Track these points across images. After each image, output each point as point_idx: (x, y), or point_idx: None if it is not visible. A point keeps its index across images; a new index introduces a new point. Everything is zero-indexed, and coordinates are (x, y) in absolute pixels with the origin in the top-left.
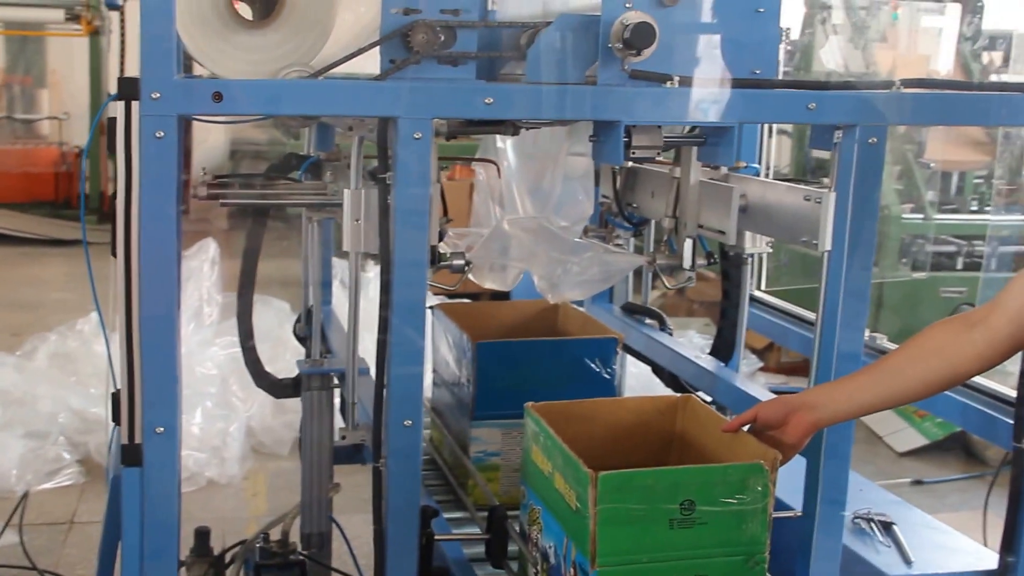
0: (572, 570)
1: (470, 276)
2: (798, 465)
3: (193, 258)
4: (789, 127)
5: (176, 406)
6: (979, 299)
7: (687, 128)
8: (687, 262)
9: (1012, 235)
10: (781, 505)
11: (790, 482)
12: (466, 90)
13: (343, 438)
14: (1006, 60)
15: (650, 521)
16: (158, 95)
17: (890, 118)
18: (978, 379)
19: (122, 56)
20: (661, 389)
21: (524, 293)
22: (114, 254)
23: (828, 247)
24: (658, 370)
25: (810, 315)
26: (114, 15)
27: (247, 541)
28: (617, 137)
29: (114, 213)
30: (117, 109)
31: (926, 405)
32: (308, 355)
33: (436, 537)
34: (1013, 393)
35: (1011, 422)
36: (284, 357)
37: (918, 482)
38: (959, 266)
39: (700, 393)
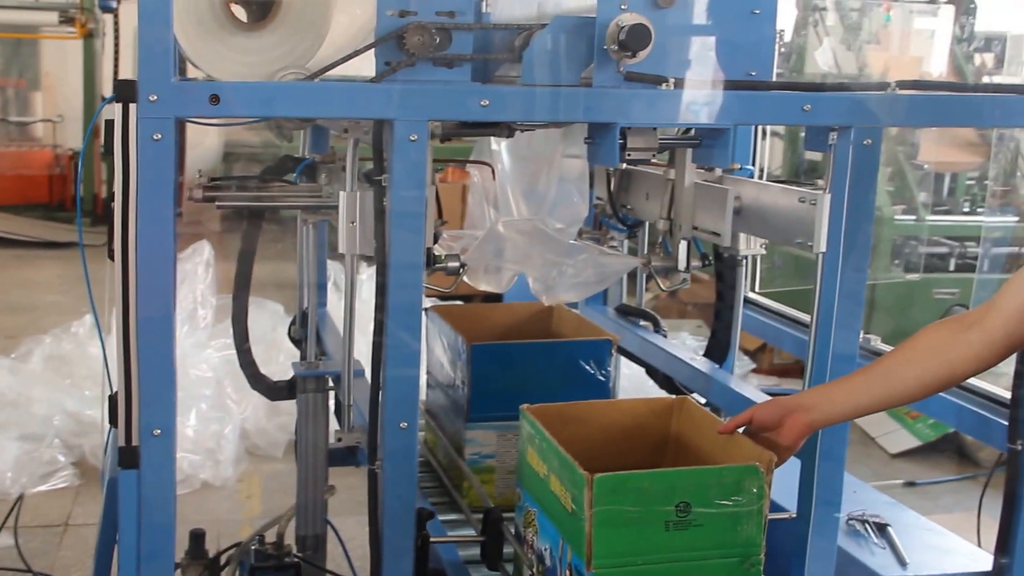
0: (568, 572)
1: (465, 278)
2: (792, 467)
3: (187, 260)
4: (781, 129)
5: (173, 408)
6: (973, 300)
7: (682, 130)
8: (682, 264)
9: (1005, 236)
10: (776, 507)
11: (785, 484)
12: (461, 92)
13: (339, 440)
14: (1000, 62)
15: (646, 523)
16: (155, 97)
17: (885, 120)
18: (972, 380)
19: (116, 59)
20: (654, 391)
21: (517, 295)
22: (111, 256)
23: (823, 249)
24: (652, 372)
25: (804, 317)
26: (108, 18)
27: (242, 543)
28: (612, 139)
29: (111, 215)
30: (114, 111)
31: (921, 406)
32: (303, 357)
33: (431, 539)
34: (1007, 394)
35: (1005, 423)
36: (278, 359)
37: (911, 483)
38: (951, 267)
39: (695, 395)
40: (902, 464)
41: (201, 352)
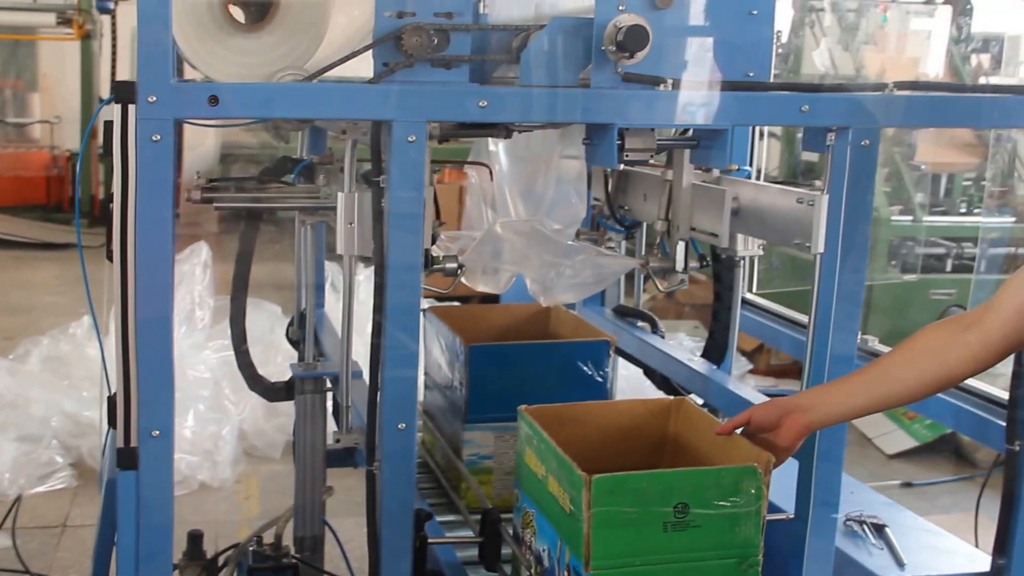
0: (566, 573)
1: (463, 279)
2: (790, 468)
3: (185, 262)
4: (777, 130)
5: (171, 410)
6: (971, 301)
7: (679, 130)
8: (680, 265)
9: (1003, 237)
10: (773, 508)
11: (782, 485)
12: (460, 93)
13: (337, 441)
14: (998, 63)
15: (644, 524)
16: (154, 99)
17: (883, 120)
18: (970, 381)
19: (113, 60)
20: (652, 391)
21: (514, 296)
22: (109, 258)
23: (821, 249)
24: (650, 373)
25: (802, 317)
26: (105, 19)
27: (240, 544)
28: (610, 140)
29: (109, 216)
30: (113, 112)
31: (919, 407)
32: (301, 359)
33: (430, 540)
34: (1005, 395)
35: (1003, 424)
36: (276, 360)
37: (908, 484)
38: (948, 268)
39: (692, 395)
40: (899, 465)
41: (199, 353)
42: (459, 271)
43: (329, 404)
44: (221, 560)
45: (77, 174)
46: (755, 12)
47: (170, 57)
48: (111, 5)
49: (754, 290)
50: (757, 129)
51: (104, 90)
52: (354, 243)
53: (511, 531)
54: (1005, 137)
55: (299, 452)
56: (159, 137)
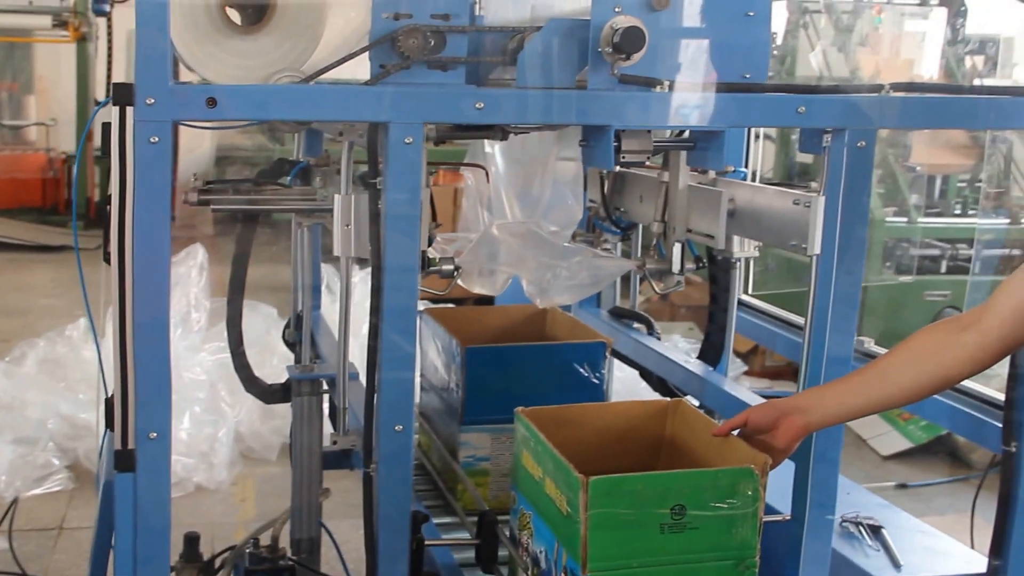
0: (563, 575)
1: (459, 281)
2: (787, 469)
3: (181, 264)
4: (772, 132)
5: (169, 412)
6: (966, 302)
7: (676, 132)
8: (676, 266)
9: (997, 238)
10: (770, 509)
11: (779, 486)
12: (456, 95)
13: (333, 443)
14: (994, 64)
15: (641, 526)
16: (152, 101)
17: (879, 122)
18: (967, 382)
19: (109, 62)
20: (647, 393)
21: (510, 298)
22: (107, 260)
23: (817, 251)
24: (646, 374)
25: (797, 319)
26: (101, 21)
27: (237, 546)
28: (607, 141)
29: (106, 218)
30: (111, 115)
31: (915, 408)
32: (298, 360)
33: (426, 542)
34: (1001, 396)
35: (999, 425)
36: (271, 362)
37: (903, 485)
38: (943, 269)
39: (688, 397)
40: (894, 466)
41: (195, 355)
42: (455, 273)
43: (326, 406)
44: (218, 562)
45: (74, 176)
46: (751, 14)
47: (168, 59)
48: (107, 8)
49: (750, 292)
50: (752, 131)
51: (100, 93)
52: (351, 245)
53: (508, 533)
54: (999, 138)
55: (296, 454)
56: (157, 139)
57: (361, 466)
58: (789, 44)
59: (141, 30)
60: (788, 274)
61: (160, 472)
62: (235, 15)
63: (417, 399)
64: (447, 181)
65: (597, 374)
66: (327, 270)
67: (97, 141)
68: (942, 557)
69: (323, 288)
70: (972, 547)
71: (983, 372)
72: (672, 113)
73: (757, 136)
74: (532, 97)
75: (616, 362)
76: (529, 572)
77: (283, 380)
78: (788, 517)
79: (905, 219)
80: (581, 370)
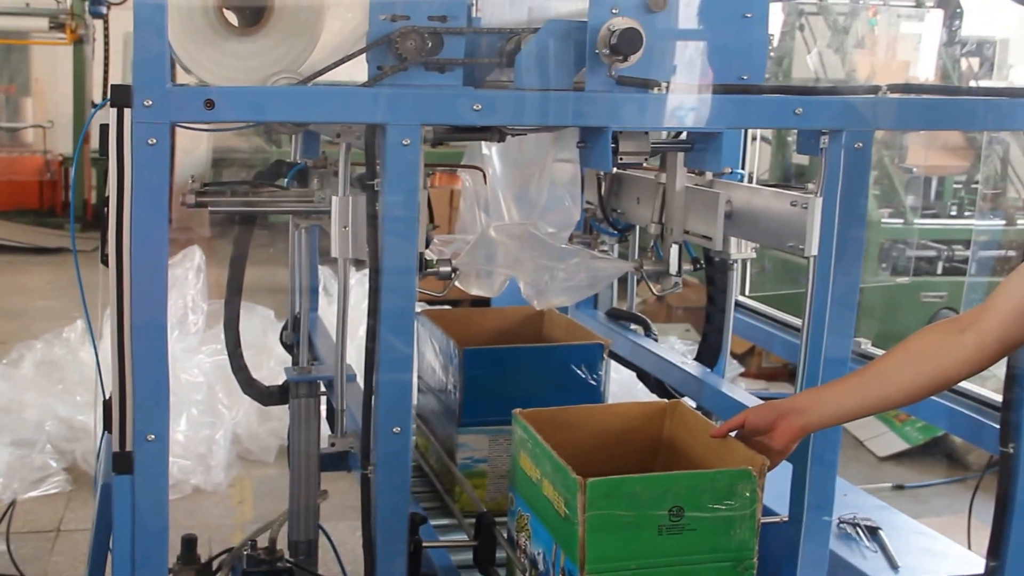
0: None
1: (456, 283)
2: (784, 471)
3: (178, 266)
4: (768, 133)
5: (166, 414)
6: (963, 303)
7: (673, 134)
8: (673, 268)
9: (994, 239)
10: (767, 510)
11: (776, 487)
12: (454, 96)
13: (331, 445)
14: (990, 66)
15: (639, 527)
16: (150, 102)
17: (876, 123)
18: (964, 384)
19: (106, 64)
20: (644, 394)
21: (507, 299)
22: (104, 262)
23: (815, 252)
24: (643, 376)
25: (794, 320)
26: (98, 24)
27: (234, 549)
28: (605, 143)
29: (104, 220)
30: (108, 116)
31: (913, 409)
32: (295, 362)
33: (424, 544)
34: (999, 397)
35: (997, 426)
36: (268, 364)
37: (899, 487)
38: (939, 271)
39: (686, 398)
40: (891, 467)
41: (192, 357)
42: (453, 275)
43: (323, 408)
44: (215, 564)
45: (72, 178)
46: (749, 15)
47: (166, 61)
48: (104, 10)
49: (746, 293)
50: (749, 132)
51: (96, 95)
52: (348, 247)
53: (506, 535)
54: (997, 140)
55: (293, 456)
56: (155, 141)
57: (359, 468)
58: (787, 45)
59: (139, 32)
60: (785, 275)
61: (158, 474)
62: (232, 17)
63: (415, 401)
64: (444, 183)
65: (594, 375)
66: (324, 272)
67: (94, 143)
68: (939, 558)
69: (320, 290)
70: (969, 548)
71: (980, 373)
72: (669, 114)
73: (754, 138)
74: (529, 99)
75: (613, 363)
76: (527, 574)
77: (280, 382)
78: (786, 518)
79: (901, 220)
80: (578, 371)
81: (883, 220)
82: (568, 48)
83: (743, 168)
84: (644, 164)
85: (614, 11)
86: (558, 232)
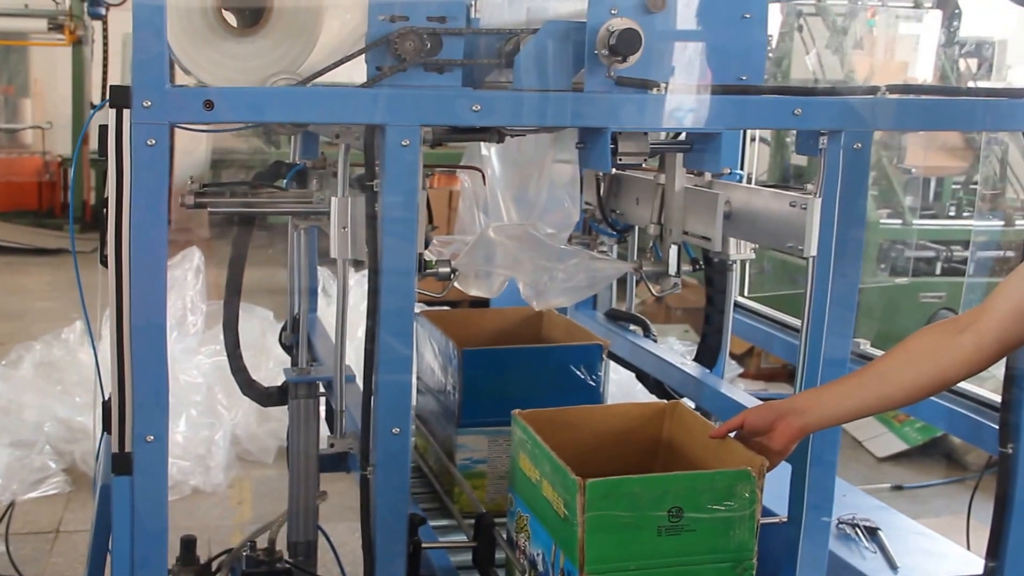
0: None
1: (455, 283)
2: (783, 471)
3: (177, 267)
4: (767, 134)
5: (166, 415)
6: (962, 304)
7: (672, 134)
8: (672, 268)
9: (992, 240)
10: (767, 511)
11: (776, 488)
12: (454, 97)
13: (330, 446)
14: (989, 67)
15: (638, 528)
16: (149, 103)
17: (875, 123)
18: (963, 384)
19: (105, 65)
20: (643, 395)
21: (506, 300)
22: (103, 263)
23: (814, 253)
24: (643, 376)
25: (793, 321)
26: (97, 25)
27: (233, 549)
28: (604, 144)
29: (103, 221)
30: (107, 117)
31: (912, 410)
32: (294, 363)
33: (423, 545)
34: (998, 398)
35: (996, 427)
36: (267, 365)
37: (898, 487)
38: (938, 271)
39: (685, 399)
40: (889, 468)
41: (191, 358)
42: (452, 275)
43: (322, 409)
44: (215, 565)
45: (71, 179)
46: (748, 15)
47: (165, 62)
48: (102, 11)
49: (745, 294)
50: (748, 133)
51: (95, 96)
52: (347, 247)
53: (505, 535)
54: (995, 140)
55: (292, 457)
56: (154, 141)
57: (358, 469)
58: (786, 46)
59: (137, 33)
60: (784, 276)
61: (157, 475)
62: (231, 18)
63: (414, 402)
64: (443, 184)
65: (593, 376)
66: (323, 273)
67: (94, 144)
68: (938, 558)
69: (320, 291)
70: (968, 548)
71: (979, 374)
72: (668, 115)
73: (753, 139)
74: (528, 99)
75: (612, 364)
76: (526, 575)
77: (280, 383)
78: (785, 519)
79: (900, 221)
80: (578, 372)
81: (882, 221)
82: (567, 49)
83: (742, 169)
84: (643, 165)
85: (613, 12)
86: (557, 233)
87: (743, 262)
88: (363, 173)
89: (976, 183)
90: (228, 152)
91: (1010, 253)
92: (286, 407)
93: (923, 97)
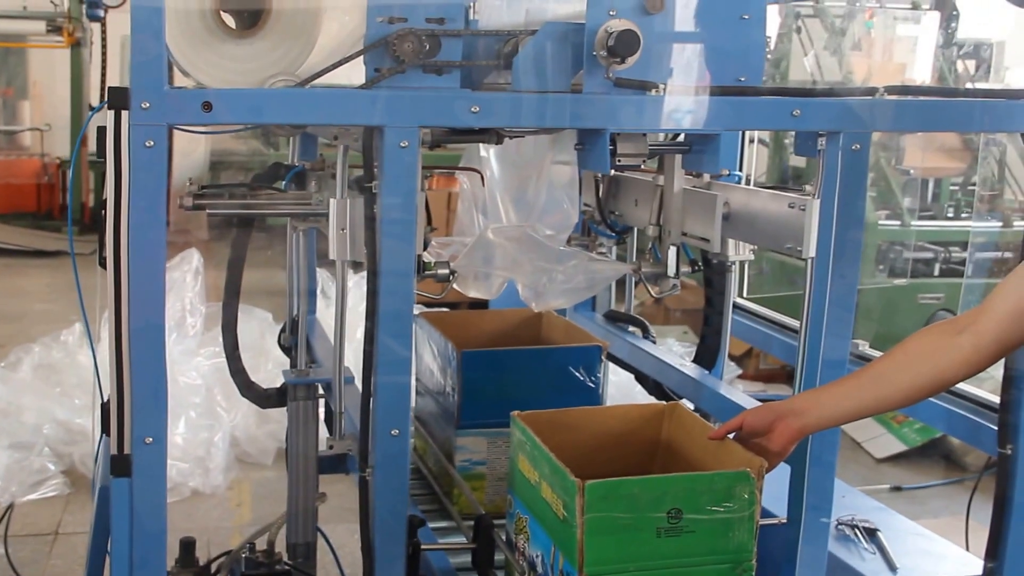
0: None
1: (454, 285)
2: (783, 472)
3: (176, 269)
4: (766, 136)
5: (164, 417)
6: (960, 305)
7: (671, 135)
8: (671, 270)
9: (990, 241)
10: (766, 512)
11: (775, 489)
12: (452, 98)
13: (330, 448)
14: (987, 68)
15: (637, 529)
16: (147, 105)
17: (873, 125)
18: (962, 385)
19: (104, 67)
20: (642, 396)
21: (505, 302)
22: (102, 264)
23: (812, 254)
24: (642, 378)
25: (792, 322)
26: (95, 27)
27: (233, 551)
28: (603, 145)
29: (101, 223)
30: (107, 119)
31: (911, 411)
32: (293, 365)
33: (423, 547)
34: (996, 399)
35: (995, 428)
36: (266, 367)
37: (897, 488)
38: (936, 272)
39: (684, 400)
40: (888, 469)
41: (191, 360)
42: (451, 277)
43: (321, 411)
44: (214, 567)
45: (69, 181)
46: (746, 16)
47: (163, 63)
48: (101, 13)
49: (744, 295)
50: (746, 134)
51: (94, 98)
52: (346, 249)
53: (504, 537)
54: (993, 142)
55: (291, 459)
56: (152, 143)
57: (357, 470)
58: (785, 47)
59: (136, 34)
60: (783, 277)
61: (156, 477)
62: (230, 19)
63: (413, 403)
64: (442, 185)
65: (593, 378)
66: (322, 274)
67: (92, 146)
68: (937, 559)
69: (319, 292)
70: (967, 549)
71: (977, 374)
72: (667, 116)
73: (751, 140)
74: (527, 101)
75: (612, 366)
76: None
77: (279, 384)
78: (784, 520)
79: (898, 222)
80: (577, 374)
81: (880, 222)
82: (566, 50)
83: (741, 170)
84: (642, 166)
85: (611, 13)
86: (556, 234)
87: (742, 263)
88: (362, 175)
89: (974, 184)
90: (227, 154)
91: (1008, 254)
92: (285, 409)
93: (921, 98)
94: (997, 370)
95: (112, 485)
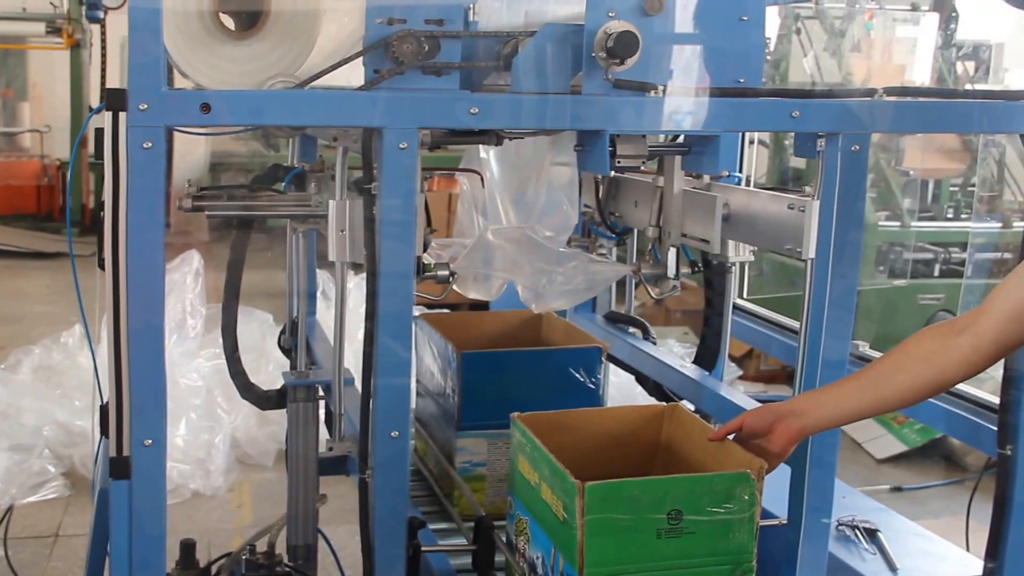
0: None
1: (454, 286)
2: (783, 473)
3: (176, 270)
4: (765, 137)
5: (164, 418)
6: (960, 305)
7: (670, 137)
8: (671, 271)
9: (990, 241)
10: (766, 513)
11: (775, 490)
12: (451, 100)
13: (330, 449)
14: (986, 69)
15: (638, 531)
16: (145, 106)
17: (873, 126)
18: (961, 386)
19: (103, 69)
20: (642, 398)
21: (505, 303)
22: (101, 266)
23: (812, 255)
24: (642, 379)
25: (792, 323)
26: (95, 28)
27: (233, 553)
28: (602, 146)
29: (100, 224)
30: (104, 120)
31: (911, 412)
32: (293, 366)
33: (423, 548)
34: (996, 399)
35: (995, 428)
36: (267, 369)
37: (897, 489)
38: (936, 273)
39: (684, 401)
40: (889, 469)
41: (191, 361)
42: (451, 278)
43: (321, 412)
44: (214, 569)
45: (69, 183)
46: (746, 18)
47: (161, 65)
48: (100, 14)
49: (744, 296)
50: (746, 136)
51: (94, 99)
52: (346, 250)
53: (504, 538)
54: (993, 143)
55: (291, 460)
56: (150, 144)
57: (357, 472)
58: (784, 48)
59: (134, 36)
60: (783, 278)
61: (156, 479)
62: (229, 21)
63: (413, 405)
64: (442, 186)
65: (593, 379)
66: (322, 276)
67: (91, 148)
68: (938, 560)
69: (318, 294)
70: (967, 550)
71: (977, 375)
72: (666, 118)
73: (751, 141)
74: (526, 102)
75: (612, 367)
76: None
77: (279, 386)
78: (784, 521)
79: (898, 223)
80: (577, 375)
81: (880, 223)
82: (565, 51)
83: (740, 171)
84: (642, 167)
85: (610, 14)
86: (556, 236)
87: (742, 264)
88: (361, 176)
89: (974, 185)
90: (226, 155)
91: (1008, 255)
92: (285, 410)
93: (920, 99)
94: (997, 370)
95: (111, 487)
